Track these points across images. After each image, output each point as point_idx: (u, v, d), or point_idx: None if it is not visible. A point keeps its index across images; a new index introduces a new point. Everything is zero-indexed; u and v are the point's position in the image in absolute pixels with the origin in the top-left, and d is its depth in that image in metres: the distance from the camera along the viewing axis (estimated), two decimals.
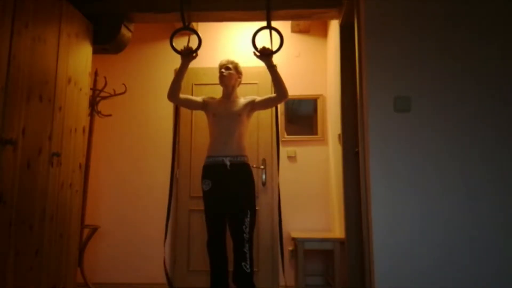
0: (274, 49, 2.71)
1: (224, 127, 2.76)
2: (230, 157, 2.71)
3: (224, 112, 2.80)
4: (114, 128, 3.80)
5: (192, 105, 2.92)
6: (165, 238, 2.98)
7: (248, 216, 2.63)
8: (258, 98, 2.86)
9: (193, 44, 2.84)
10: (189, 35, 3.10)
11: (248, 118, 2.85)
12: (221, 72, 2.88)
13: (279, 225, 2.87)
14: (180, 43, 2.92)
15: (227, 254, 2.74)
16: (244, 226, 2.59)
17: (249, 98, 2.88)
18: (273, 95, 2.77)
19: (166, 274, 2.96)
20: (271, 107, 3.05)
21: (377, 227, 2.12)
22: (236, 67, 2.90)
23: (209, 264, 2.73)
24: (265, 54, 2.67)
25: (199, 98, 2.91)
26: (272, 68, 2.68)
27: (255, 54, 2.68)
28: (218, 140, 2.75)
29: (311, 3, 2.84)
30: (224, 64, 2.89)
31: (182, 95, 2.80)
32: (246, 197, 2.69)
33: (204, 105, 2.89)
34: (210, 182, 2.73)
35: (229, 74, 2.86)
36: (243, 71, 2.98)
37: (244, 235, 2.57)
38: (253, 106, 2.84)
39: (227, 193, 2.69)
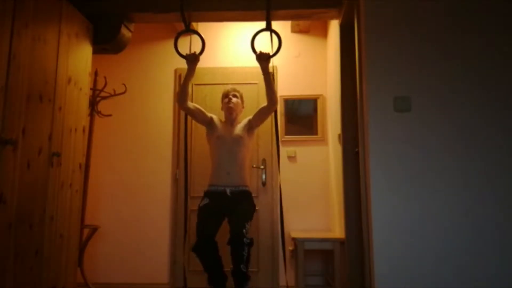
0: (274, 50, 2.71)
1: (227, 151, 2.78)
2: (231, 187, 2.76)
3: (227, 135, 2.83)
4: (114, 128, 3.80)
5: (200, 117, 2.89)
6: (185, 239, 2.92)
7: (248, 222, 2.66)
8: (251, 116, 2.88)
9: (194, 43, 2.83)
10: (190, 34, 3.10)
11: (250, 138, 2.89)
12: (229, 99, 2.88)
13: (281, 225, 2.86)
14: (181, 43, 2.92)
15: (219, 254, 2.74)
16: (244, 231, 2.61)
17: (245, 120, 2.91)
18: (263, 105, 2.79)
19: (184, 277, 2.94)
20: (266, 118, 2.97)
21: (377, 227, 2.12)
22: (241, 96, 2.95)
23: (203, 266, 2.72)
24: (263, 59, 2.67)
25: (208, 114, 2.91)
26: (267, 74, 2.69)
27: (255, 53, 2.69)
28: (221, 168, 2.78)
29: (311, 3, 2.84)
30: (230, 92, 2.91)
31: (191, 104, 2.79)
32: (247, 209, 2.74)
33: (210, 122, 2.89)
34: (209, 199, 2.77)
35: (237, 102, 2.89)
36: (243, 71, 2.99)
37: (245, 239, 2.59)
38: (250, 124, 2.87)
39: (225, 208, 2.73)
